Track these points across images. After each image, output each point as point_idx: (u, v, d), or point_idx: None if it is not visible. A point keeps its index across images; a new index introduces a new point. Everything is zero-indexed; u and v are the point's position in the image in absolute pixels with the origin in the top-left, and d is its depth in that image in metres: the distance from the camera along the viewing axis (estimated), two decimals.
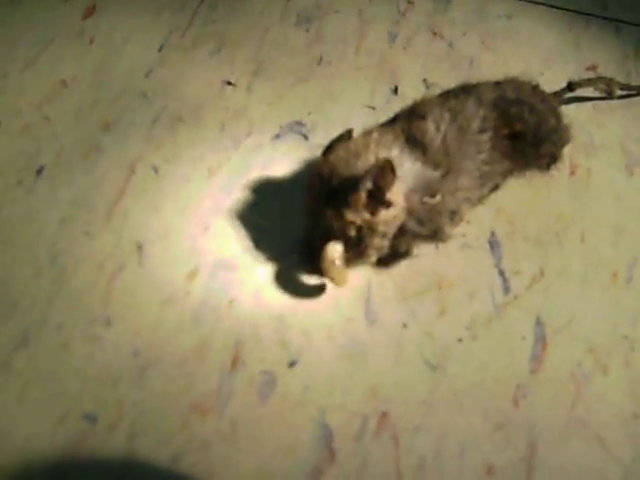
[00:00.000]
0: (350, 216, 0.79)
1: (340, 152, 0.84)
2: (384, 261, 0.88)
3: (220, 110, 1.08)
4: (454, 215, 0.86)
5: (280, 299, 0.88)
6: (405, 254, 0.90)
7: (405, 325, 0.85)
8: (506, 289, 0.88)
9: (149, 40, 1.18)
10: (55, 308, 0.87)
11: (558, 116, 0.93)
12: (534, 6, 1.23)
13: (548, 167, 0.94)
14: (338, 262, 0.80)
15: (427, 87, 1.09)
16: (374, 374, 0.82)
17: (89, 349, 0.84)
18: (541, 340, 0.84)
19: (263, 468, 0.75)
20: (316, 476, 0.75)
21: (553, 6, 1.23)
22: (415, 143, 0.84)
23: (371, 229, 0.80)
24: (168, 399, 0.80)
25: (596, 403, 0.80)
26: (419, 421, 0.78)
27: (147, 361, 0.83)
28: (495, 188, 0.94)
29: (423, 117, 0.86)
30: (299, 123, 1.05)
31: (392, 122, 0.89)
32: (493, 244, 0.92)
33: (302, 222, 0.87)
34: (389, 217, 0.80)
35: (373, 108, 1.07)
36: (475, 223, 0.93)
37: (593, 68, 1.13)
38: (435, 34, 1.18)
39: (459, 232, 0.90)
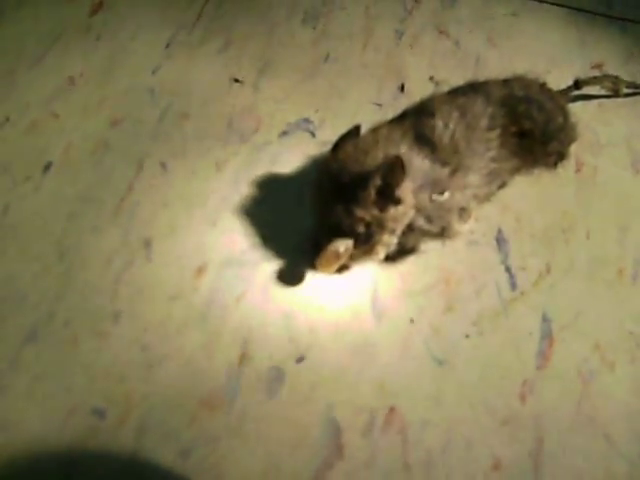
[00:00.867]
0: (359, 212, 0.79)
1: (349, 149, 0.84)
2: (391, 257, 0.88)
3: (227, 107, 1.08)
4: (462, 212, 0.86)
5: (288, 295, 0.88)
6: (412, 250, 0.90)
7: (412, 321, 0.86)
8: (513, 285, 0.89)
9: (156, 37, 1.18)
10: (63, 304, 0.88)
11: (566, 114, 0.93)
12: (539, 4, 1.23)
13: (555, 165, 0.94)
14: (341, 257, 0.81)
15: (435, 84, 1.09)
16: (381, 369, 0.82)
17: (97, 344, 0.84)
18: (547, 336, 0.84)
19: (271, 463, 0.76)
20: (324, 471, 0.75)
21: (558, 4, 1.23)
22: (424, 140, 0.84)
23: (380, 226, 0.80)
24: (176, 394, 0.80)
25: (602, 399, 0.80)
26: (427, 416, 0.79)
27: (155, 357, 0.83)
28: (502, 185, 0.94)
29: (432, 114, 0.86)
30: (306, 120, 1.06)
31: (400, 119, 0.89)
32: (500, 241, 0.92)
33: (309, 218, 0.87)
34: (398, 214, 0.80)
35: (380, 105, 1.07)
36: (482, 220, 0.93)
37: (598, 66, 1.13)
38: (441, 32, 1.19)
39: (467, 229, 0.90)
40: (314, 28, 1.19)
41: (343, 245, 0.79)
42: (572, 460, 0.76)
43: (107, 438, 0.77)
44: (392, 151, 0.81)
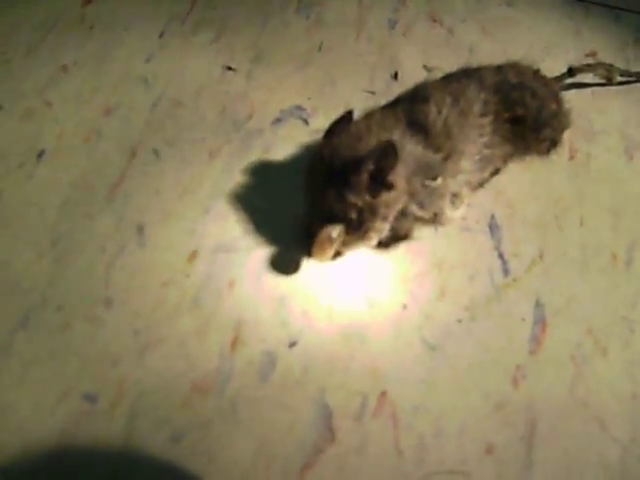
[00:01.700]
0: (351, 198, 0.78)
1: (341, 134, 0.84)
2: (384, 244, 0.88)
3: (220, 94, 1.08)
4: (455, 198, 0.86)
5: (280, 281, 0.88)
6: (405, 237, 0.90)
7: (405, 306, 0.86)
8: (505, 271, 0.89)
9: (150, 26, 1.18)
10: (56, 290, 0.88)
11: (559, 101, 0.93)
12: None
13: (548, 152, 0.94)
14: (333, 242, 0.81)
15: (428, 71, 1.09)
16: (374, 354, 0.82)
17: (89, 330, 0.84)
18: (540, 321, 0.84)
19: (263, 447, 0.76)
20: (316, 455, 0.75)
21: None
22: (417, 126, 0.84)
23: (372, 211, 0.80)
24: (168, 379, 0.80)
25: (595, 384, 0.80)
26: (419, 400, 0.79)
27: (147, 342, 0.83)
28: (496, 172, 0.94)
29: (425, 100, 0.86)
30: (299, 108, 1.06)
31: (393, 105, 0.89)
32: (493, 227, 0.92)
33: (302, 205, 0.87)
34: (390, 199, 0.80)
35: (373, 93, 1.07)
36: (475, 206, 0.93)
37: (593, 55, 1.13)
38: (435, 21, 1.19)
39: (459, 215, 0.90)
40: (308, 17, 1.19)
41: (335, 230, 0.79)
42: (565, 444, 0.76)
43: (99, 423, 0.77)
44: (385, 137, 0.80)
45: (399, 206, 0.81)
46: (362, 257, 0.89)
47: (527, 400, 0.79)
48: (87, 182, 0.98)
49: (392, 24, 1.18)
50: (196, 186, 0.97)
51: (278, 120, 1.04)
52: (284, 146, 1.01)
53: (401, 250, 0.90)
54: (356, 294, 0.87)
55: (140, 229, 0.93)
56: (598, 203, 0.95)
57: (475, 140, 0.86)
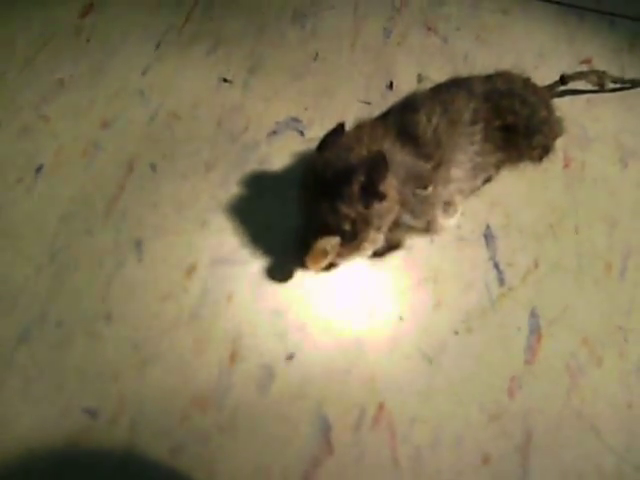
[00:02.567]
0: (344, 209, 0.79)
1: (333, 146, 0.85)
2: (379, 254, 0.89)
3: (217, 107, 1.08)
4: (447, 207, 0.87)
5: (277, 293, 0.89)
6: (398, 246, 0.90)
7: (401, 318, 0.86)
8: (501, 281, 0.89)
9: (146, 38, 1.19)
10: (55, 305, 0.88)
11: (549, 108, 0.93)
12: (528, 0, 1.24)
13: (540, 159, 0.94)
14: (328, 254, 0.81)
15: (420, 81, 1.09)
16: (371, 366, 0.83)
17: (89, 345, 0.85)
18: (536, 331, 0.85)
19: (262, 460, 0.76)
20: (314, 467, 0.76)
21: (547, 0, 1.23)
22: (407, 136, 0.84)
23: (365, 222, 0.80)
24: (168, 393, 0.81)
25: (590, 393, 0.81)
26: (416, 412, 0.79)
27: (147, 356, 0.84)
28: (488, 179, 0.95)
29: (415, 110, 0.86)
30: (295, 119, 1.06)
31: (385, 115, 0.90)
32: (488, 237, 0.93)
33: (298, 217, 0.87)
34: (383, 210, 0.80)
35: (369, 103, 1.08)
36: (470, 216, 0.94)
37: (587, 62, 1.13)
38: (429, 29, 1.19)
39: (454, 224, 0.91)
40: (303, 27, 1.20)
41: (330, 242, 0.80)
42: (560, 454, 0.76)
43: (100, 437, 0.78)
44: (375, 147, 0.81)
45: (392, 216, 0.82)
46: (358, 269, 0.90)
47: (523, 410, 0.79)
48: (85, 197, 0.98)
49: (387, 33, 1.18)
50: (193, 199, 0.98)
51: (274, 132, 1.05)
52: (280, 158, 1.02)
53: (397, 261, 0.91)
54: (353, 306, 0.88)
55: (138, 243, 0.93)
56: (593, 211, 0.96)
57: (466, 148, 0.86)
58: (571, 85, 1.04)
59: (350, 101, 1.09)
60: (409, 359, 0.83)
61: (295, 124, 1.05)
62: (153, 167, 1.01)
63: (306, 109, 1.07)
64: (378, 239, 0.84)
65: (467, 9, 1.22)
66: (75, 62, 1.15)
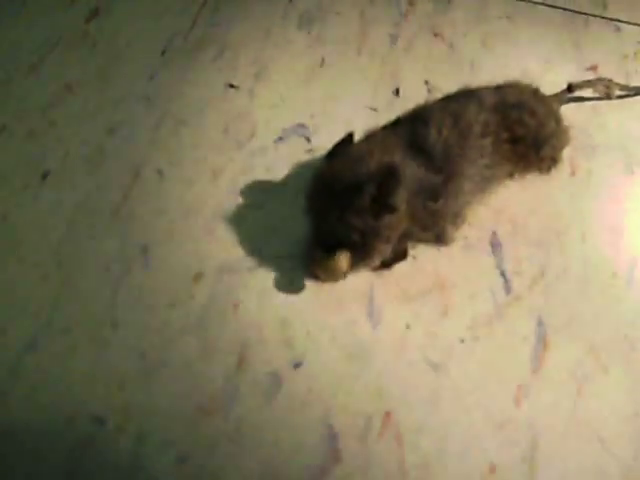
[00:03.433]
0: (354, 221, 0.79)
1: (343, 157, 0.85)
2: (385, 264, 0.89)
3: (223, 113, 1.08)
4: (456, 218, 0.87)
5: (284, 301, 0.89)
6: (404, 256, 0.90)
7: (408, 326, 0.86)
8: (507, 289, 0.89)
9: (152, 44, 1.18)
10: (62, 312, 0.89)
11: (558, 119, 0.93)
12: (534, 6, 1.23)
13: (548, 170, 0.94)
14: (345, 271, 0.82)
15: (429, 90, 1.09)
16: (378, 375, 0.83)
17: (96, 352, 0.85)
18: (542, 340, 0.85)
19: (268, 468, 0.77)
20: (321, 476, 0.76)
21: (553, 6, 1.23)
22: (417, 148, 0.84)
23: (375, 234, 0.80)
24: (174, 401, 0.81)
25: (596, 402, 0.81)
26: (422, 421, 0.79)
27: (153, 364, 0.84)
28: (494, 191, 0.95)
29: (425, 122, 0.86)
30: (302, 125, 1.06)
31: (394, 126, 0.90)
32: (494, 245, 0.93)
33: (305, 225, 0.88)
34: (392, 222, 0.80)
35: (375, 110, 1.08)
36: (477, 224, 0.93)
37: (593, 68, 1.13)
38: (436, 35, 1.19)
39: (461, 234, 0.91)
40: (309, 33, 1.20)
41: (345, 259, 0.81)
42: (566, 463, 0.77)
43: (107, 445, 0.78)
44: (386, 159, 0.81)
45: (401, 228, 0.82)
46: (365, 277, 0.90)
47: (529, 419, 0.79)
48: (91, 203, 0.99)
49: (393, 39, 1.18)
50: (200, 206, 0.98)
51: (280, 138, 1.05)
52: (287, 164, 1.02)
53: (404, 269, 0.91)
54: (360, 314, 0.88)
55: (144, 250, 0.93)
56: (599, 220, 0.96)
57: (475, 161, 0.86)
58: (577, 93, 1.04)
59: (356, 107, 1.08)
60: (415, 367, 0.83)
61: (302, 130, 1.05)
62: (160, 173, 1.01)
63: (312, 116, 1.07)
64: (387, 250, 0.84)
65: (473, 15, 1.22)
66: (81, 67, 1.15)
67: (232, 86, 1.12)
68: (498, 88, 0.92)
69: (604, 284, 0.90)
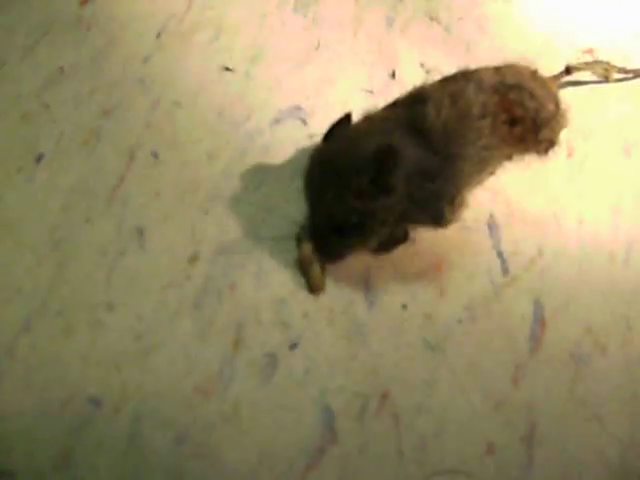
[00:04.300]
0: (352, 202, 0.79)
1: (340, 137, 0.84)
2: (384, 247, 0.88)
3: (218, 95, 1.08)
4: (454, 200, 0.86)
5: (280, 283, 0.88)
6: (404, 239, 0.90)
7: (405, 306, 0.86)
8: (505, 270, 0.89)
9: (147, 27, 1.18)
10: (57, 294, 0.88)
11: (557, 102, 0.93)
12: None
13: (546, 152, 0.94)
14: (314, 263, 0.84)
15: (427, 72, 1.09)
16: (375, 355, 0.83)
17: (92, 334, 0.85)
18: (540, 320, 0.85)
19: (266, 448, 0.76)
20: (318, 456, 0.76)
21: None
22: (416, 128, 0.83)
23: (372, 215, 0.80)
24: (171, 382, 0.81)
25: (595, 382, 0.81)
26: (420, 401, 0.79)
27: (149, 345, 0.84)
28: (492, 172, 0.94)
29: (423, 103, 0.85)
30: (298, 108, 1.05)
31: (392, 107, 0.89)
32: (491, 226, 0.93)
33: (301, 206, 0.88)
34: (391, 203, 0.80)
35: (371, 92, 1.07)
36: (473, 206, 0.92)
37: (590, 51, 1.13)
38: (432, 19, 1.18)
39: (459, 217, 0.90)
40: (305, 16, 1.19)
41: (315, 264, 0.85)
42: (565, 442, 0.77)
43: (103, 426, 0.78)
44: (384, 140, 0.81)
45: (399, 209, 0.82)
46: (361, 259, 0.89)
47: (527, 399, 0.79)
48: (86, 185, 0.98)
49: (390, 22, 1.17)
50: (196, 188, 0.97)
51: (277, 121, 1.04)
52: (283, 147, 1.01)
53: (400, 250, 0.90)
54: (356, 295, 0.87)
55: (140, 232, 0.93)
56: (596, 201, 0.95)
57: (474, 142, 0.85)
58: (575, 75, 1.04)
59: (353, 90, 1.08)
60: (412, 348, 0.83)
61: (298, 113, 1.05)
62: (155, 155, 1.00)
63: (308, 98, 1.07)
64: (384, 232, 0.84)
65: None
66: (76, 51, 1.15)
67: (228, 69, 1.11)
68: (497, 69, 0.91)
69: (601, 265, 0.90)
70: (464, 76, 0.90)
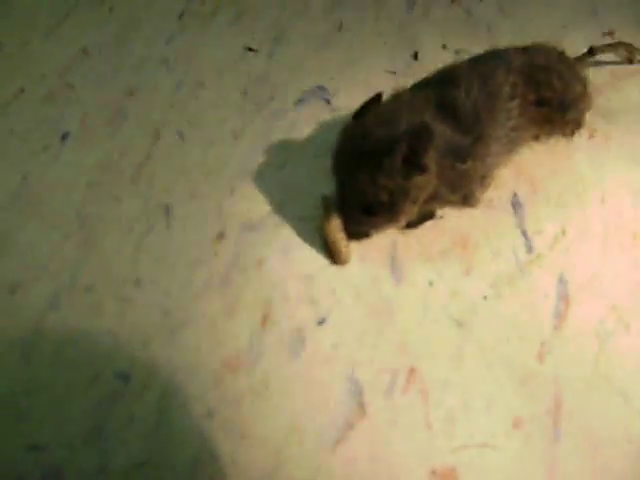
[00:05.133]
0: (383, 180, 0.79)
1: (372, 115, 0.84)
2: (412, 225, 0.89)
3: (242, 75, 1.08)
4: (484, 180, 0.87)
5: (307, 259, 0.89)
6: (431, 216, 0.90)
7: (431, 283, 0.87)
8: (529, 248, 0.89)
9: (169, 7, 1.18)
10: (85, 271, 0.89)
11: (584, 83, 0.93)
12: None
13: (572, 133, 0.94)
14: (341, 235, 0.85)
15: (456, 53, 1.09)
16: (402, 331, 0.83)
17: (119, 310, 0.85)
18: (564, 298, 0.85)
19: (295, 423, 0.77)
20: (347, 430, 0.76)
21: None
22: (446, 109, 0.84)
23: (403, 194, 0.80)
24: (199, 357, 0.82)
25: (619, 358, 0.81)
26: (447, 376, 0.80)
27: (177, 321, 0.84)
28: (517, 152, 0.95)
29: (454, 83, 0.85)
30: (321, 88, 1.06)
31: (422, 87, 0.90)
32: (515, 205, 0.93)
33: (325, 184, 0.89)
34: (422, 182, 0.80)
35: (394, 73, 1.08)
36: (497, 185, 0.93)
37: (610, 33, 1.13)
38: (453, 1, 1.19)
39: (486, 196, 0.91)
40: None
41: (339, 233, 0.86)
42: (590, 417, 0.77)
43: (132, 402, 0.79)
44: (416, 119, 0.81)
45: (430, 188, 0.82)
46: (387, 236, 0.90)
47: (552, 375, 0.80)
48: (112, 164, 0.99)
49: (411, 4, 1.18)
50: (221, 166, 0.98)
51: (300, 101, 1.05)
52: (307, 126, 1.02)
53: (426, 228, 0.91)
54: (383, 272, 0.88)
55: (167, 210, 0.93)
56: (618, 181, 0.96)
57: (503, 123, 0.86)
58: (597, 57, 1.04)
59: (375, 70, 1.08)
60: (439, 324, 0.84)
61: (321, 93, 1.05)
62: (180, 134, 1.01)
63: (332, 78, 1.07)
64: (413, 211, 0.84)
65: None
66: (99, 31, 1.15)
67: (251, 49, 1.12)
68: (525, 50, 0.91)
69: (624, 244, 0.90)
70: (493, 56, 0.91)
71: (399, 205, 0.81)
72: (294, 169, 0.97)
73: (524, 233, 0.91)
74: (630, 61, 1.06)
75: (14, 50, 1.14)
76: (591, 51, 1.03)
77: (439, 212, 0.91)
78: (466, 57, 0.94)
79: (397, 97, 0.88)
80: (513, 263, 0.88)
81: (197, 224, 0.92)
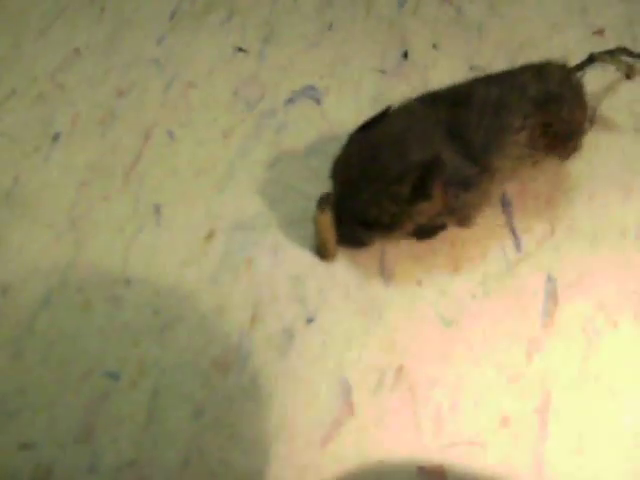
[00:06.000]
0: (388, 205, 0.79)
1: (381, 132, 0.83)
2: (424, 234, 0.89)
3: (232, 75, 1.09)
4: (481, 206, 0.86)
5: (297, 259, 0.89)
6: (442, 227, 0.90)
7: (419, 282, 0.87)
8: (517, 247, 0.90)
9: (160, 8, 1.18)
10: (75, 271, 0.89)
11: (586, 109, 0.91)
12: None
13: (569, 157, 0.93)
14: (331, 231, 0.85)
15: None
16: (390, 329, 0.83)
17: (110, 309, 0.86)
18: (552, 296, 0.86)
19: (284, 421, 0.77)
20: (336, 428, 0.77)
21: None
22: (456, 134, 0.82)
23: (406, 217, 0.80)
24: (189, 356, 0.82)
25: (607, 356, 0.81)
26: (435, 374, 0.80)
27: (167, 320, 0.85)
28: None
29: (467, 107, 0.84)
30: (311, 87, 1.06)
31: (433, 102, 0.87)
32: (504, 203, 0.93)
33: (315, 184, 0.89)
34: (426, 208, 0.80)
35: (384, 72, 1.08)
36: None
37: (600, 32, 1.13)
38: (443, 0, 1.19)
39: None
40: None
41: (329, 231, 0.85)
42: (579, 415, 0.77)
43: (122, 400, 0.79)
44: (427, 145, 0.80)
45: (432, 214, 0.82)
46: None
47: (541, 373, 0.80)
48: (103, 164, 0.99)
49: (401, 3, 1.18)
50: (211, 166, 0.98)
51: (290, 100, 1.05)
52: (297, 125, 1.02)
53: None
54: (372, 271, 0.88)
55: (157, 209, 0.94)
56: (607, 179, 0.96)
57: (509, 154, 0.84)
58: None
59: (365, 70, 1.08)
60: (428, 322, 0.84)
61: (311, 92, 1.05)
62: (170, 134, 1.01)
63: (322, 77, 1.07)
64: (411, 231, 0.85)
65: None
66: (90, 31, 1.15)
67: (241, 49, 1.12)
68: (540, 72, 0.89)
69: (612, 242, 0.90)
70: (507, 80, 0.88)
71: (399, 225, 0.82)
72: (284, 168, 0.97)
73: (513, 231, 0.91)
74: (628, 77, 1.06)
75: (5, 51, 1.14)
76: (591, 58, 1.01)
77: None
78: (463, 60, 0.94)
79: (407, 110, 0.86)
80: (502, 262, 0.89)
81: (187, 224, 0.93)
